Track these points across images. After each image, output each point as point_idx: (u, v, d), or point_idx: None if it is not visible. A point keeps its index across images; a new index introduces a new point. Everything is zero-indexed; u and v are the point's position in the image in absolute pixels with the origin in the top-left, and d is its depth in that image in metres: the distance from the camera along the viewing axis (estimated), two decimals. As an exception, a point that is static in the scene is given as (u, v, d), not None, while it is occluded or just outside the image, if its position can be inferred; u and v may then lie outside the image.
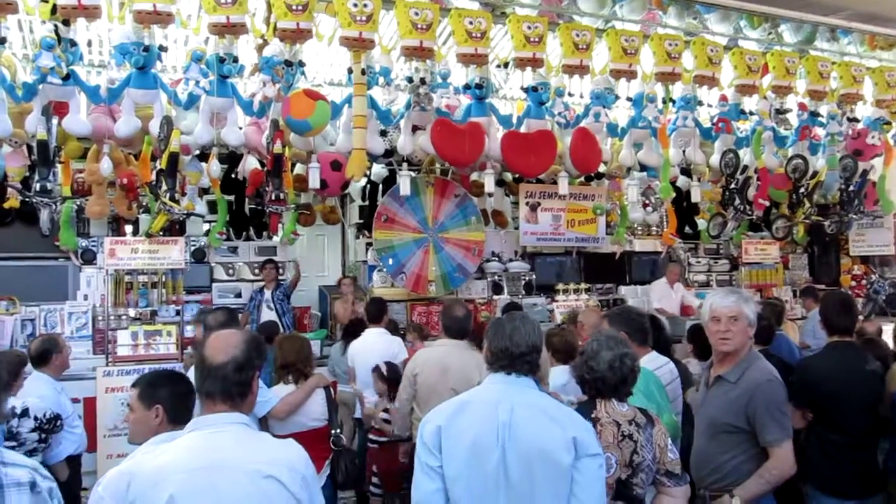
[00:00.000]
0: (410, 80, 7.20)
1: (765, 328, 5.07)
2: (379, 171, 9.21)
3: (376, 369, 5.63)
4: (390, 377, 5.48)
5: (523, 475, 2.52)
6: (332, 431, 4.69)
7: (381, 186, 9.30)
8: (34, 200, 6.61)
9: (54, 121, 6.46)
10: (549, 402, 2.72)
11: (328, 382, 4.95)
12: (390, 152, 8.18)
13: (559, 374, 4.60)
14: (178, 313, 7.57)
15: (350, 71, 6.89)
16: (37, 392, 4.54)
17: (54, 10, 5.96)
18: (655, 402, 3.50)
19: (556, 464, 2.52)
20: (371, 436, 5.68)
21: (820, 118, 9.09)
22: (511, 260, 9.60)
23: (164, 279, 7.60)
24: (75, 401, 5.43)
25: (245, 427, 2.30)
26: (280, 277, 8.63)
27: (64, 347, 5.02)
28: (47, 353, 4.82)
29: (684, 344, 6.14)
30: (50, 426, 4.38)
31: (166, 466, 2.15)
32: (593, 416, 2.89)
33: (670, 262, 10.05)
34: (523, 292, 9.43)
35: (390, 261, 8.58)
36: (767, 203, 9.26)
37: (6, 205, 7.10)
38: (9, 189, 6.88)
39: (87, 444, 5.31)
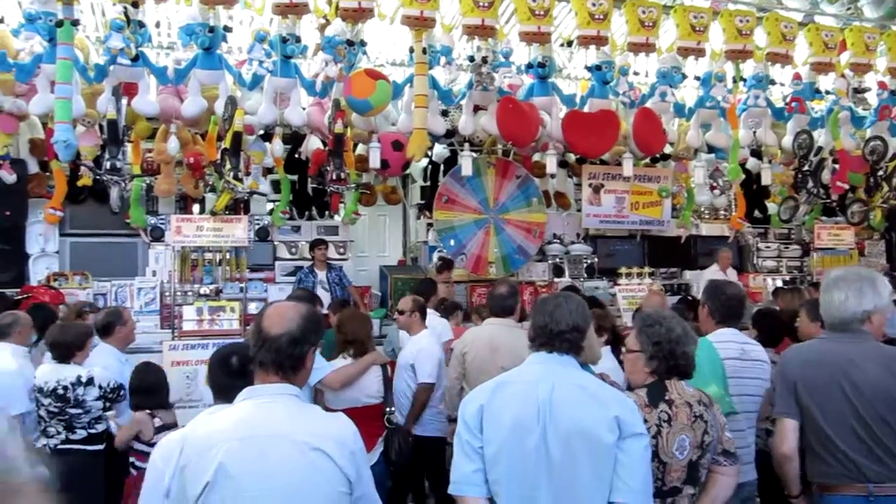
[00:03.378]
0: (472, 59, 7.15)
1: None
2: (440, 151, 9.19)
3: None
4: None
5: (565, 454, 2.47)
6: (387, 409, 4.71)
7: (442, 167, 9.28)
8: (104, 178, 6.80)
9: (123, 101, 6.62)
10: (591, 381, 2.67)
11: (386, 360, 4.96)
12: (451, 132, 8.15)
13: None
14: (241, 290, 7.71)
15: (411, 50, 6.87)
16: (102, 362, 4.69)
17: (123, -8, 6.11)
18: (701, 374, 3.35)
19: (598, 443, 2.46)
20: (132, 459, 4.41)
21: (901, 97, 8.68)
22: (573, 242, 9.48)
23: (228, 257, 7.76)
24: (142, 373, 5.54)
25: (295, 399, 2.31)
26: (329, 259, 8.51)
27: (128, 320, 5.15)
28: (111, 325, 4.96)
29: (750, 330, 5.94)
30: (113, 395, 4.52)
31: (217, 434, 2.18)
32: (667, 398, 2.78)
33: (722, 248, 9.74)
34: (585, 275, 9.30)
35: (451, 241, 8.58)
36: (846, 186, 8.90)
37: (80, 182, 7.32)
38: (82, 167, 7.10)
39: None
